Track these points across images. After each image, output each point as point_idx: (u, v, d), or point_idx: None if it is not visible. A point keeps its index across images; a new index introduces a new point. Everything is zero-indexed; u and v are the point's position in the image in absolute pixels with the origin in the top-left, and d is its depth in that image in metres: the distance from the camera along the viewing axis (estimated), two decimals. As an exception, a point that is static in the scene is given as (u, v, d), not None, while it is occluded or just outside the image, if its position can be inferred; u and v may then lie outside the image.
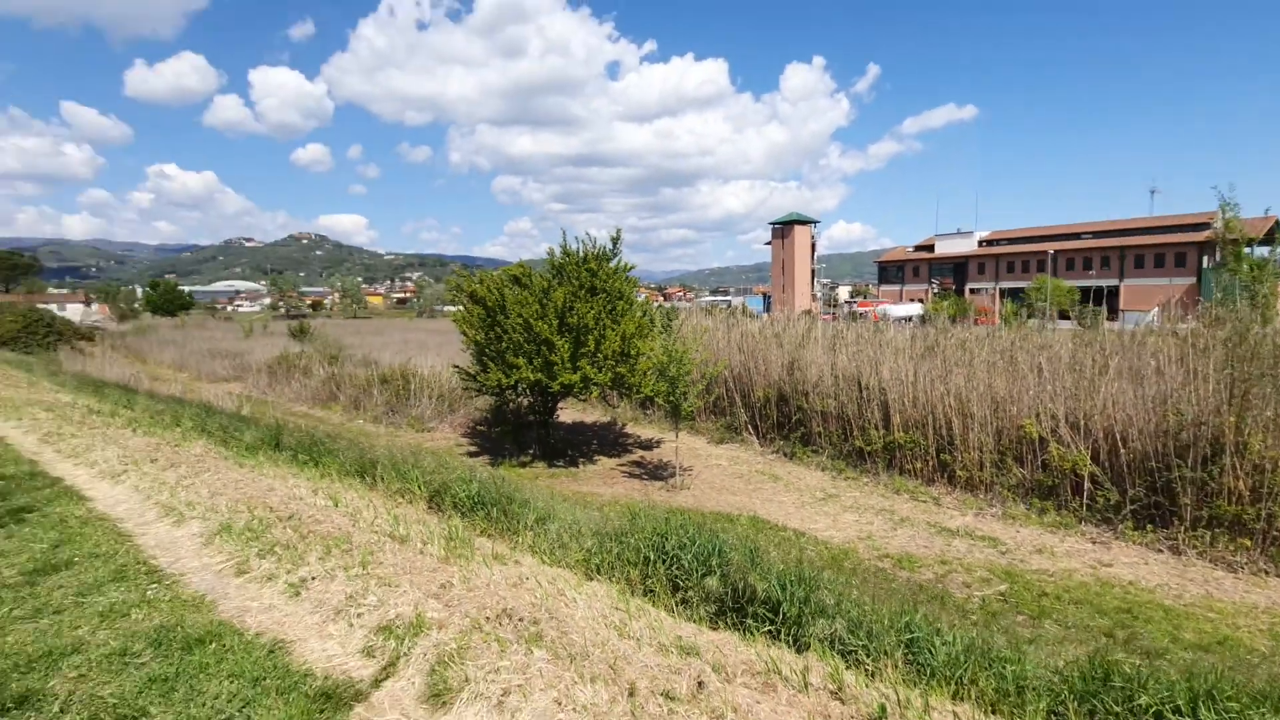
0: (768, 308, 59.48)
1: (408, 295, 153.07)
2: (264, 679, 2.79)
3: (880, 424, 11.24)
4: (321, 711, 2.62)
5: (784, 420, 12.84)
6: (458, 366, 12.90)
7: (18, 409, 9.81)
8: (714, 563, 4.74)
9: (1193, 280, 48.60)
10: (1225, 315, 8.90)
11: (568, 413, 14.93)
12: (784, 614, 4.17)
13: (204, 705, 2.61)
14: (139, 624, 3.19)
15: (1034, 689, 3.39)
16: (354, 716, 2.63)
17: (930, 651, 3.80)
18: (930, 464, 10.53)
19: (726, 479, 10.87)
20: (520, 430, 12.00)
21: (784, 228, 68.92)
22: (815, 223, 70.44)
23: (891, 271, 74.53)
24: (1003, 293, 59.40)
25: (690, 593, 4.74)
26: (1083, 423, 9.07)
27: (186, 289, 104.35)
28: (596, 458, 11.98)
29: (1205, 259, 47.25)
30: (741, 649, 3.53)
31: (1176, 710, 2.98)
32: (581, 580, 4.52)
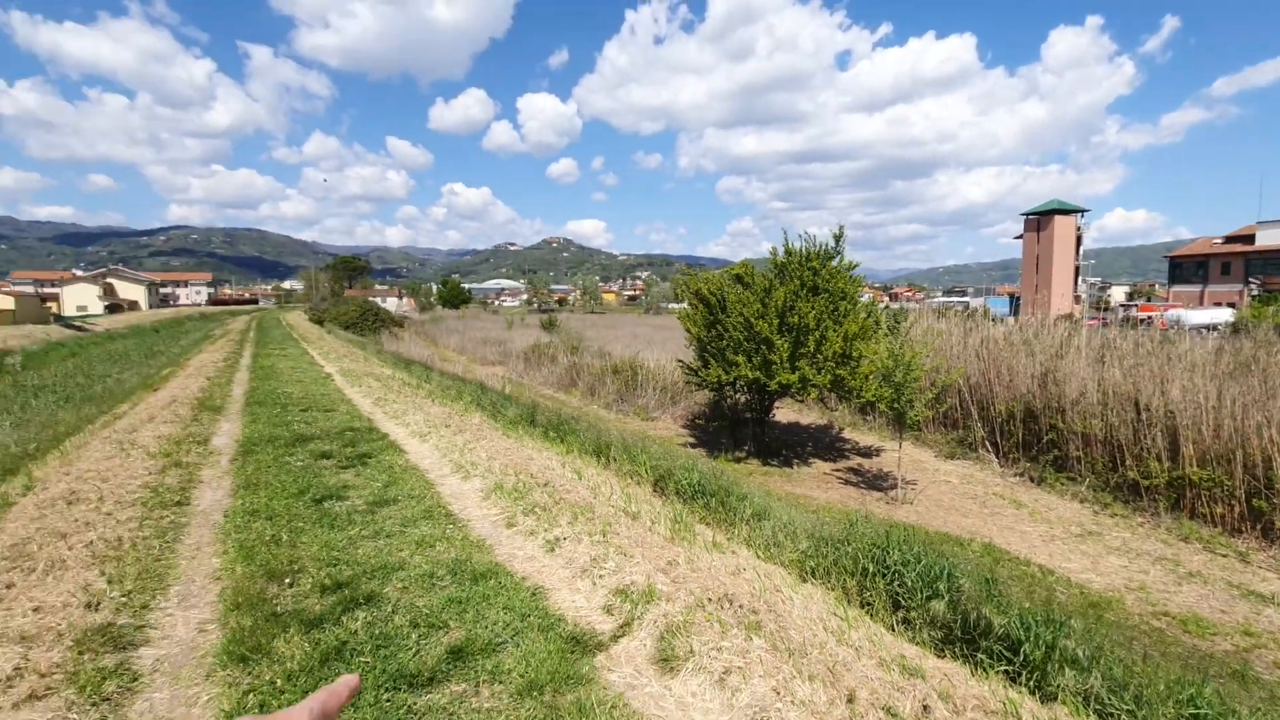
0: (1015, 310, 51.97)
1: (637, 293, 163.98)
2: (529, 615, 3.36)
3: (1164, 454, 9.35)
4: (572, 652, 3.09)
5: (1031, 439, 11.30)
6: (681, 361, 13.59)
7: (358, 379, 12.73)
8: (941, 586, 4.45)
9: None
10: None
11: (783, 412, 14.83)
12: (1025, 656, 3.78)
13: (486, 626, 3.23)
14: (441, 554, 4.03)
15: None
16: (596, 662, 3.05)
17: (1224, 736, 3.17)
18: (1236, 510, 8.49)
19: (957, 498, 9.94)
20: (736, 426, 12.25)
21: (1040, 218, 59.39)
22: (1082, 211, 59.55)
23: (1188, 269, 60.11)
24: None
25: (913, 613, 4.51)
26: None
27: (466, 286, 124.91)
28: (811, 460, 11.76)
29: None
30: (972, 683, 3.31)
31: None
32: (796, 581, 4.57)
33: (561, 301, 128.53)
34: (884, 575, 4.72)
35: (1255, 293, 50.30)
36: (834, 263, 11.38)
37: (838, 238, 11.44)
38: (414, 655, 2.96)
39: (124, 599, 3.41)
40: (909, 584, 4.52)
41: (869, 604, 4.65)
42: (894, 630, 4.15)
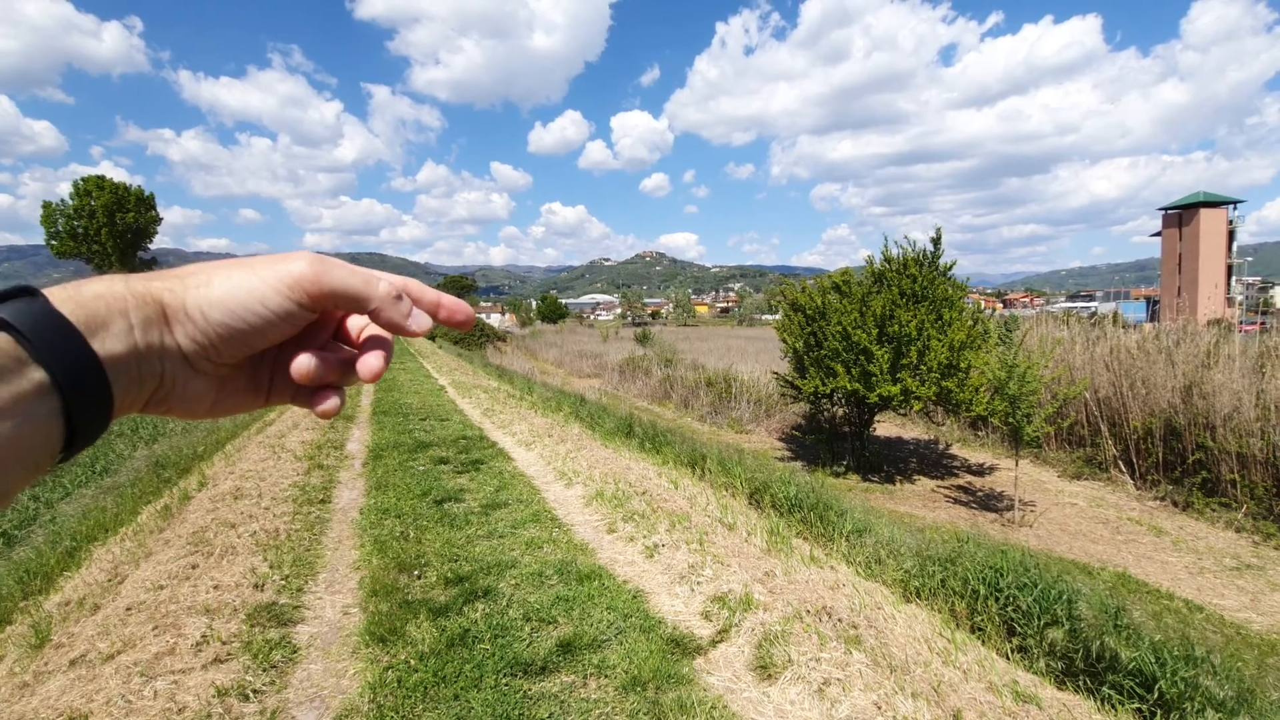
0: (1153, 315, 46.80)
1: (729, 305, 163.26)
2: (631, 616, 3.53)
3: (1345, 480, 8.16)
4: (672, 653, 3.21)
5: (1173, 460, 10.19)
6: (776, 373, 13.43)
7: (468, 390, 13.64)
8: (1060, 612, 4.18)
9: None
10: None
11: (884, 426, 14.25)
12: (1161, 693, 3.48)
13: (591, 624, 3.43)
14: (548, 555, 4.30)
15: None
16: (696, 664, 3.16)
17: None
18: None
19: (1084, 523, 9.15)
20: (834, 440, 11.94)
21: (1183, 213, 53.14)
22: (1235, 203, 52.64)
23: (1385, 264, 51.53)
24: None
25: (1029, 641, 4.27)
26: None
27: (563, 301, 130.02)
28: (915, 477, 11.23)
29: None
30: (1097, 718, 3.12)
31: None
32: (899, 600, 4.45)
33: (655, 314, 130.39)
34: (996, 599, 4.49)
35: None
36: (934, 268, 10.90)
37: (936, 241, 10.94)
38: (527, 646, 3.20)
39: (283, 582, 3.92)
40: (1024, 609, 4.28)
41: (980, 628, 4.44)
42: (1008, 657, 3.95)
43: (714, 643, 3.39)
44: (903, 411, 11.06)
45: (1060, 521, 9.15)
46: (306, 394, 0.45)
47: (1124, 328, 14.67)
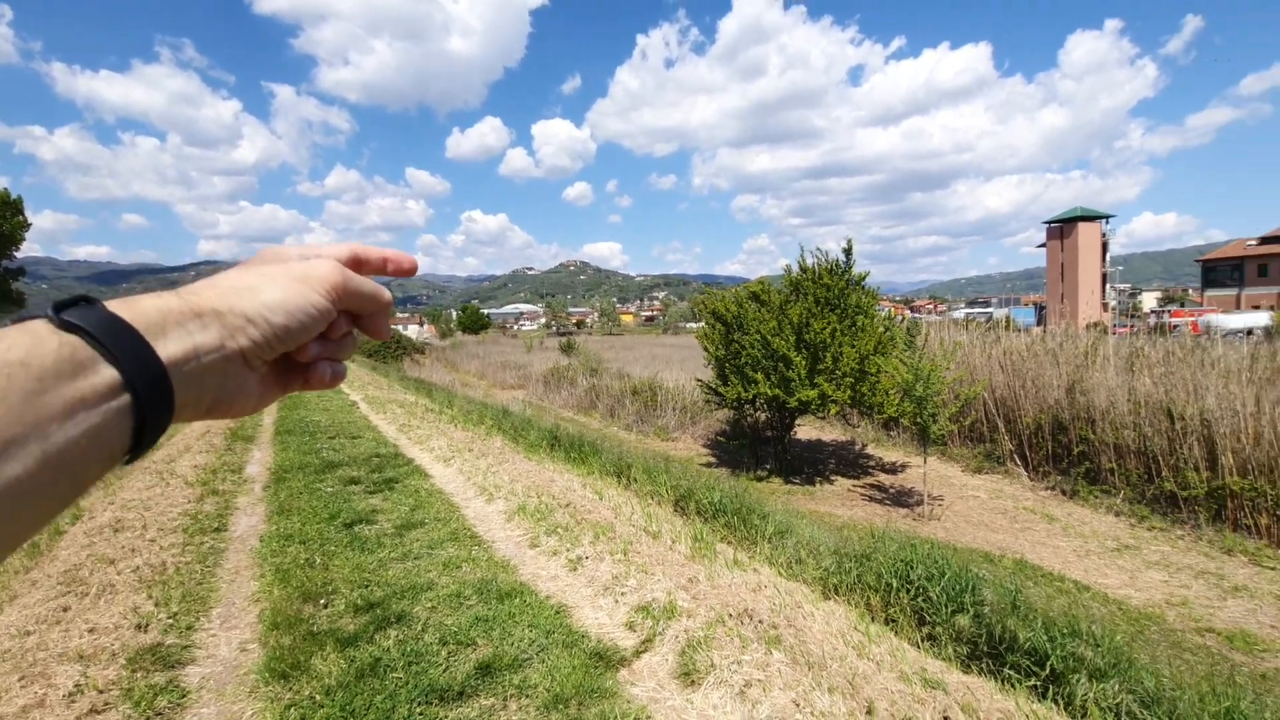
0: (1041, 320, 51.05)
1: (654, 313, 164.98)
2: (553, 632, 3.44)
3: (1202, 464, 9.12)
4: (595, 667, 3.16)
5: (1061, 452, 11.09)
6: (700, 380, 13.64)
7: (383, 405, 13.05)
8: (966, 600, 4.42)
9: None
10: None
11: (805, 430, 14.75)
12: (1052, 670, 3.74)
13: (512, 643, 3.33)
14: (467, 575, 4.14)
15: None
16: (620, 677, 3.12)
17: (1263, 750, 3.10)
18: (1282, 521, 8.23)
19: (986, 514, 9.78)
20: (757, 445, 12.24)
21: (1064, 226, 58.52)
22: (1108, 217, 58.55)
23: (1222, 272, 58.62)
24: None
25: (938, 629, 4.48)
26: None
27: (485, 311, 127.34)
28: (834, 478, 11.67)
29: None
30: (998, 697, 3.30)
31: None
32: (819, 597, 4.58)
33: (579, 324, 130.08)
34: (908, 591, 4.70)
35: (1295, 295, 48.81)
36: (845, 277, 11.41)
37: (847, 251, 11.49)
38: (444, 671, 3.06)
39: (171, 621, 3.58)
40: (933, 599, 4.50)
41: (893, 620, 4.63)
42: (919, 645, 4.13)
43: (638, 653, 3.36)
44: (821, 415, 11.49)
45: (964, 513, 9.74)
46: (301, 376, 0.51)
47: (1015, 332, 15.89)
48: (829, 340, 10.50)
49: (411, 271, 0.57)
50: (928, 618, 4.53)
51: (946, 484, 11.21)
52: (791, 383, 10.49)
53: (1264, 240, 57.51)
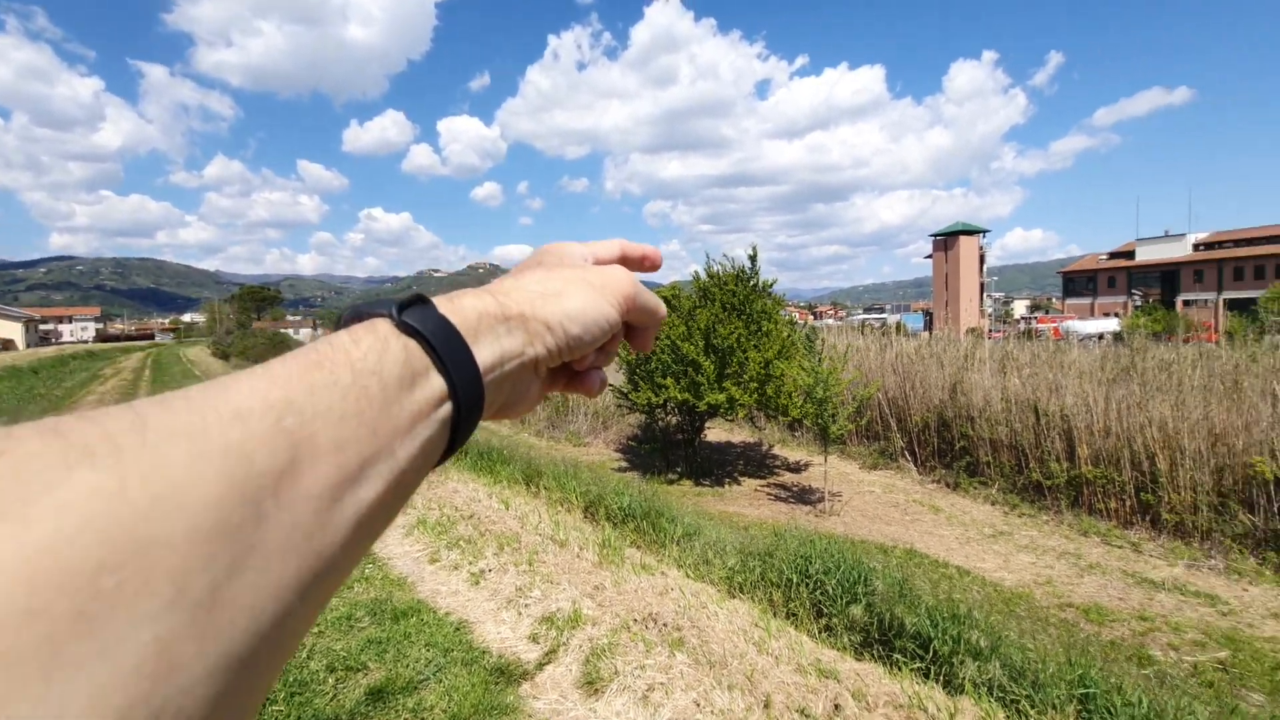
0: (928, 325, 55.17)
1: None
2: (452, 650, 3.30)
3: (1062, 455, 10.10)
4: (496, 684, 3.06)
5: (946, 447, 11.96)
6: (612, 385, 13.66)
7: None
8: (859, 591, 4.65)
9: None
10: None
11: (715, 432, 15.11)
12: (935, 652, 4.00)
13: (408, 665, 3.16)
14: (360, 595, 3.90)
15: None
16: (521, 691, 3.03)
17: (1110, 711, 3.45)
18: (1127, 504, 9.25)
19: (880, 507, 10.38)
20: (668, 448, 12.39)
21: (947, 239, 63.67)
22: (984, 232, 64.24)
23: (1080, 283, 65.85)
24: (1228, 305, 49.92)
25: (834, 620, 4.69)
26: (1338, 464, 7.49)
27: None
28: (742, 478, 12.01)
29: None
30: (885, 681, 3.48)
31: None
32: (724, 596, 4.68)
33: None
34: (808, 585, 4.89)
35: (1137, 304, 55.46)
36: (751, 283, 11.80)
37: (752, 258, 11.90)
38: (331, 700, 2.86)
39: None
40: (830, 591, 4.70)
41: (794, 614, 4.80)
42: (815, 637, 4.30)
43: (541, 665, 3.29)
44: (730, 418, 11.80)
45: (861, 508, 10.29)
46: (572, 381, 0.50)
47: (906, 336, 17.06)
48: (736, 345, 10.81)
49: (657, 269, 0.57)
50: (825, 610, 4.73)
51: (845, 480, 11.81)
52: (700, 387, 10.71)
53: (1112, 255, 65.08)
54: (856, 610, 4.52)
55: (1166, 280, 57.20)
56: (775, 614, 4.67)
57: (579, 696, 3.01)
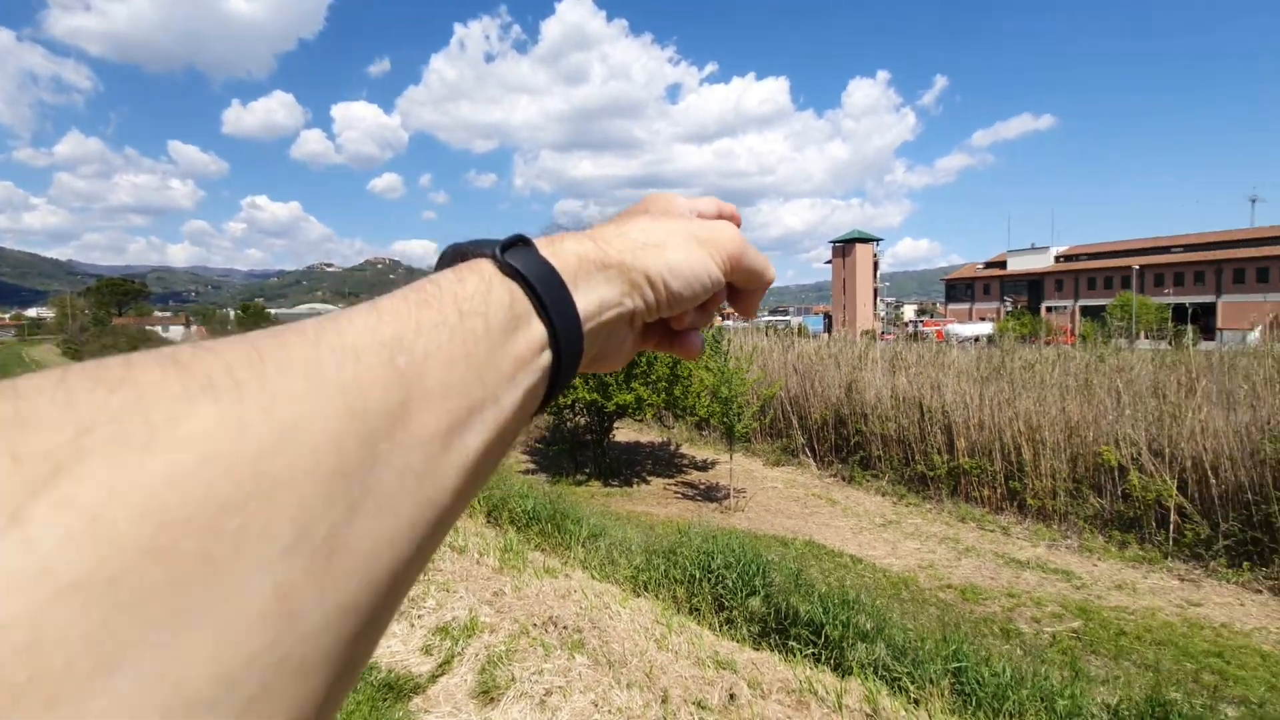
0: (828, 327, 58.25)
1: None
2: (334, 669, 3.08)
3: (944, 448, 10.91)
4: (384, 700, 2.88)
5: (842, 443, 12.63)
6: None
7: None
8: (758, 583, 4.80)
9: (1305, 296, 44.51)
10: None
11: (623, 433, 15.17)
12: (827, 637, 4.18)
13: (283, 690, 2.91)
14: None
15: (1087, 725, 3.29)
16: (412, 706, 2.88)
17: (979, 682, 3.73)
18: (998, 491, 10.12)
19: (782, 502, 10.79)
20: (577, 449, 12.31)
21: (845, 246, 67.62)
22: (878, 240, 68.76)
23: (960, 290, 71.87)
24: (1082, 311, 56.12)
25: (735, 613, 4.80)
26: (1167, 450, 8.54)
27: (273, 311, 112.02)
28: (651, 478, 12.13)
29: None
30: (780, 668, 3.59)
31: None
32: (628, 595, 4.67)
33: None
34: (710, 580, 4.99)
35: (1008, 309, 61.12)
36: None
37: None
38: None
39: None
40: (731, 585, 4.82)
41: (697, 609, 4.87)
42: (716, 630, 4.38)
43: (434, 677, 3.14)
44: (639, 417, 11.88)
45: (765, 503, 10.66)
46: (670, 340, 0.47)
47: (807, 338, 17.88)
48: (644, 345, 10.90)
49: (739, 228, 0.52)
50: (726, 603, 4.83)
51: (750, 477, 12.19)
52: (609, 387, 10.71)
53: (988, 265, 71.42)
54: (755, 602, 4.65)
55: (1033, 288, 63.53)
56: (679, 610, 4.71)
57: (474, 706, 2.89)
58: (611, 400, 10.71)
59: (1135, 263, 51.63)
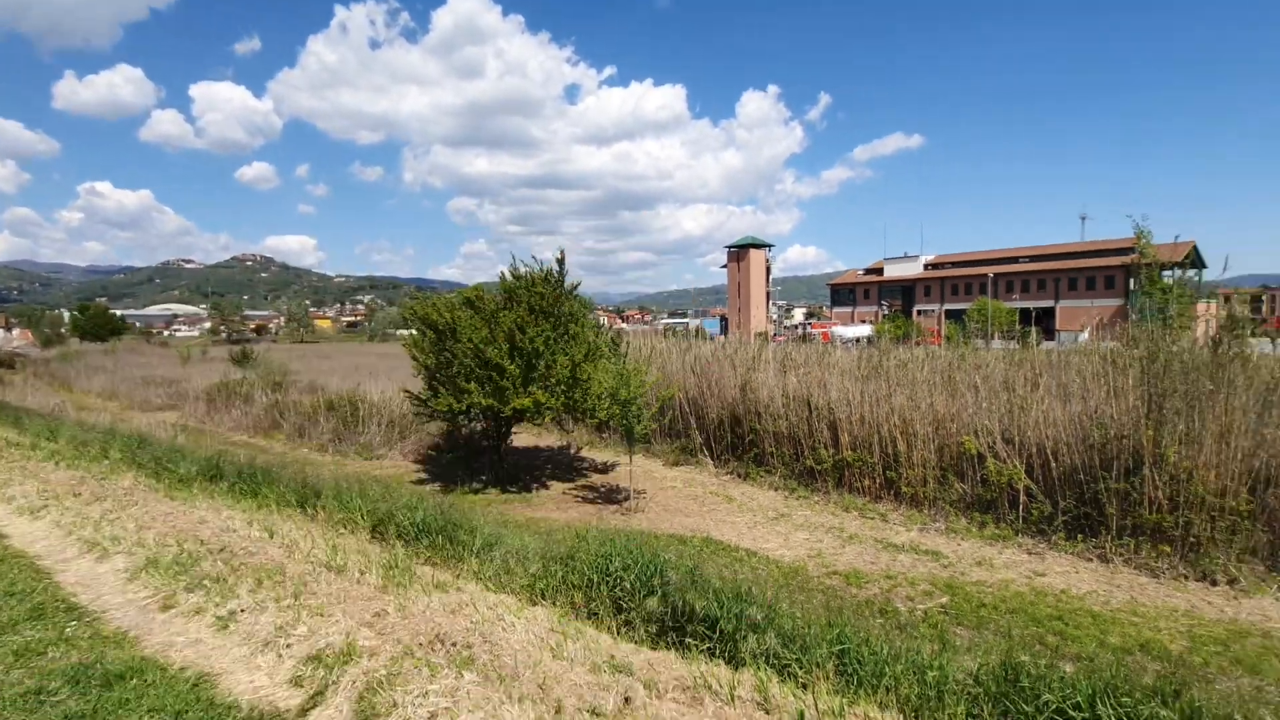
0: (724, 330, 60.30)
1: (358, 319, 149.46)
2: (186, 712, 2.74)
3: (830, 443, 11.54)
4: (244, 743, 2.60)
5: (738, 442, 13.04)
6: (408, 391, 12.74)
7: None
8: (655, 583, 4.81)
9: (1121, 301, 51.52)
10: (1140, 334, 9.51)
11: (522, 438, 14.84)
12: (722, 630, 4.26)
13: (119, 742, 2.55)
14: (55, 662, 3.09)
15: (953, 692, 3.55)
16: (278, 747, 2.61)
17: (859, 661, 3.94)
18: (877, 481, 10.84)
19: (681, 501, 10.96)
20: (473, 456, 11.88)
21: (740, 251, 70.33)
22: (770, 246, 72.09)
23: (843, 294, 76.89)
24: (947, 314, 61.76)
25: (633, 613, 4.79)
26: (1017, 438, 9.50)
27: (119, 313, 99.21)
28: (550, 483, 11.93)
29: (1132, 281, 50.25)
30: (677, 666, 3.61)
31: (1076, 706, 3.18)
32: (524, 605, 4.53)
33: (260, 330, 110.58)
34: (608, 583, 4.94)
35: (886, 313, 66.11)
36: (559, 287, 11.80)
37: (560, 261, 11.93)
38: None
39: None
40: (629, 586, 4.80)
41: (595, 613, 4.81)
42: (615, 633, 4.35)
43: (305, 710, 2.87)
44: (537, 422, 11.66)
45: (664, 503, 10.79)
46: None
47: (705, 340, 18.35)
48: (542, 348, 10.70)
49: None
50: (625, 605, 4.81)
51: (650, 478, 12.31)
52: (506, 391, 10.42)
53: (867, 271, 76.80)
54: (653, 602, 4.66)
55: (906, 293, 69.10)
56: (577, 615, 4.64)
57: (350, 739, 2.67)
58: (509, 405, 10.43)
59: (990, 271, 57.52)
